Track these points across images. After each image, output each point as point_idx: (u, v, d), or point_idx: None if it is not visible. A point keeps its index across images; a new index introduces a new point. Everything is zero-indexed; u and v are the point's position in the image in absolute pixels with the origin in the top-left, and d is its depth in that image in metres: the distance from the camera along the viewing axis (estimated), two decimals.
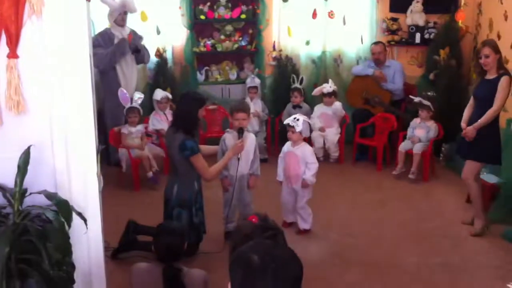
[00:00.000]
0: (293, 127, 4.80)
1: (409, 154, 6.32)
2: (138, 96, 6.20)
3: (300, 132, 4.82)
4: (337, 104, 6.84)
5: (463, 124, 4.95)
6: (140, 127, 6.18)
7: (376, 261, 4.53)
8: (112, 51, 6.33)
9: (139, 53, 6.58)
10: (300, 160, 4.84)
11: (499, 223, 5.03)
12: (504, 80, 4.70)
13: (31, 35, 2.82)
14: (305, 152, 4.85)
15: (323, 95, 6.84)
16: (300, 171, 4.85)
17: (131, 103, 6.13)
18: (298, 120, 4.81)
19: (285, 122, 4.97)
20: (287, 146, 4.97)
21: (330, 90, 6.80)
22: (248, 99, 6.81)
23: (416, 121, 6.44)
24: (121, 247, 4.52)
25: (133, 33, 6.54)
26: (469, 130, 4.84)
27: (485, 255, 4.62)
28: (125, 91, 6.16)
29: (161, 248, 3.16)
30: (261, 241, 1.82)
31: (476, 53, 4.96)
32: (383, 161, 6.64)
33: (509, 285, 1.98)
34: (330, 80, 6.99)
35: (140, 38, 6.61)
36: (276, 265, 1.61)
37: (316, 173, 4.87)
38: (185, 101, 4.49)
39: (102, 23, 6.60)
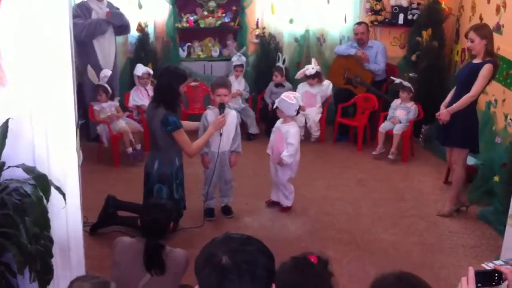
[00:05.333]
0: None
1: (389, 135, 6.36)
2: (104, 74, 6.12)
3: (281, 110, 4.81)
4: (326, 83, 6.82)
5: (442, 106, 4.93)
6: (112, 102, 6.17)
7: (354, 239, 4.58)
8: (93, 24, 6.20)
9: (124, 28, 6.51)
10: (283, 138, 4.86)
11: (475, 204, 5.12)
12: (486, 67, 4.60)
13: (10, 7, 2.75)
14: (288, 131, 4.84)
15: (306, 77, 6.80)
16: (281, 148, 4.86)
17: (99, 80, 6.08)
18: (279, 98, 4.84)
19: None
20: (278, 122, 4.99)
21: (313, 72, 6.73)
22: (233, 77, 6.76)
23: (396, 102, 6.47)
24: (100, 222, 4.52)
25: (109, 6, 6.43)
26: (442, 113, 4.82)
27: (461, 235, 4.70)
28: (91, 68, 6.09)
29: (149, 223, 3.16)
30: (229, 235, 1.67)
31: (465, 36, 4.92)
32: (363, 141, 6.68)
33: (483, 264, 2.02)
34: (313, 60, 6.92)
35: (117, 10, 6.51)
36: (248, 265, 1.54)
37: (295, 155, 4.84)
38: (166, 75, 4.44)
39: None
